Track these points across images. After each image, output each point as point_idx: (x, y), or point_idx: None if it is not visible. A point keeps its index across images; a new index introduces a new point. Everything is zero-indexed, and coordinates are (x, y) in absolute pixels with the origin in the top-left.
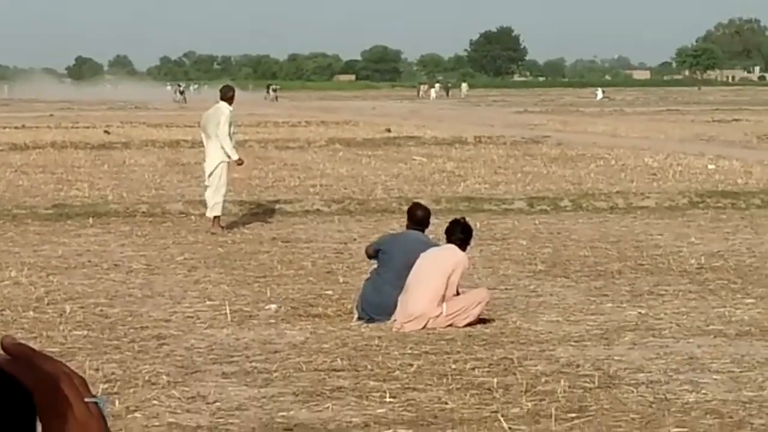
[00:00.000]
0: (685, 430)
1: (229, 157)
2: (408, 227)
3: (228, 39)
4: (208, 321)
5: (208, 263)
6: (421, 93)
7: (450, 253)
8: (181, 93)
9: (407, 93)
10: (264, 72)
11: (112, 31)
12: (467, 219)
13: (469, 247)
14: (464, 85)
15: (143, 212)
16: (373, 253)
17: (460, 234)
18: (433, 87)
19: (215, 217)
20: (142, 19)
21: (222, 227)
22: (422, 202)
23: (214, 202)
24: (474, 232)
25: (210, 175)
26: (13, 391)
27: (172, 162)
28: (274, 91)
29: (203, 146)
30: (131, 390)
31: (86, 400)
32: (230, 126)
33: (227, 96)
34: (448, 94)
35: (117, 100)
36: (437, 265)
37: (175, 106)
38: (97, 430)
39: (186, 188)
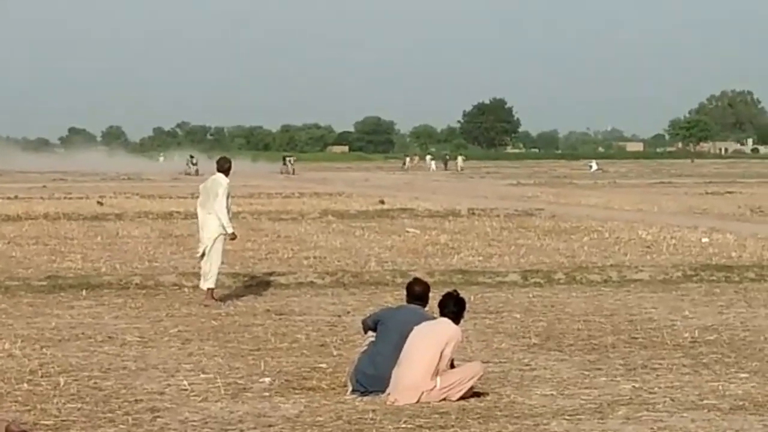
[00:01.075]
0: None
1: (225, 229)
2: (407, 302)
3: (220, 110)
4: (202, 394)
5: (201, 336)
6: (407, 164)
7: (443, 326)
8: (194, 164)
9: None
10: (257, 143)
11: (105, 101)
12: (460, 292)
13: (462, 321)
14: (460, 158)
15: (136, 284)
16: (372, 325)
17: (453, 307)
18: (424, 159)
19: (209, 289)
20: (135, 91)
21: (215, 299)
22: (416, 274)
23: (210, 274)
24: (467, 305)
25: (207, 247)
26: None
27: (165, 233)
28: (291, 163)
29: (196, 217)
30: None
31: None
32: (228, 198)
33: (224, 168)
34: (446, 167)
35: (110, 171)
36: (430, 338)
37: (166, 177)
38: None
39: (179, 260)
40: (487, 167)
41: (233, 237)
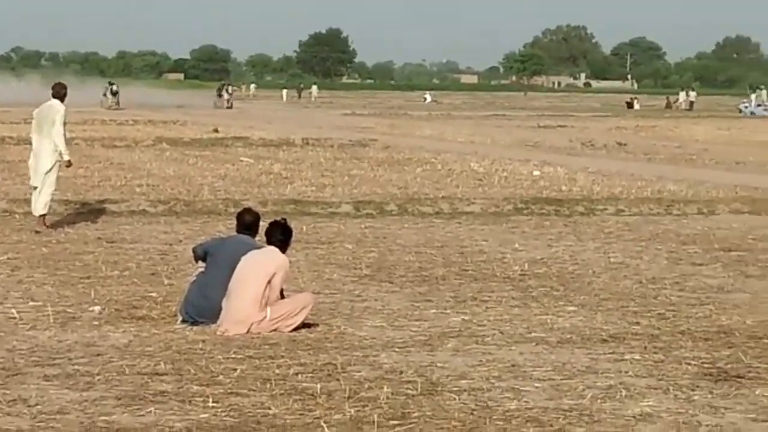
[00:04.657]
0: None
1: (61, 156)
2: (237, 231)
3: (56, 35)
4: (31, 322)
5: (31, 263)
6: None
7: (270, 255)
8: (114, 94)
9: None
10: (92, 69)
11: None
12: (288, 220)
13: (289, 249)
14: (314, 88)
15: None
16: (202, 255)
17: (279, 236)
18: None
19: (41, 215)
20: None
21: (47, 226)
22: (249, 204)
23: (43, 200)
24: (295, 234)
25: (42, 173)
26: None
27: None
28: (114, 93)
29: (29, 144)
30: None
31: None
32: (64, 125)
33: (60, 94)
34: (300, 97)
35: None
36: (258, 268)
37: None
38: None
39: (10, 186)
40: (322, 97)
41: (69, 164)
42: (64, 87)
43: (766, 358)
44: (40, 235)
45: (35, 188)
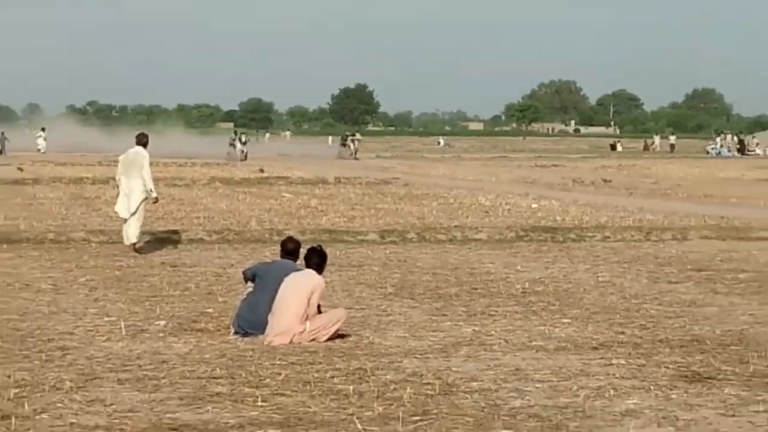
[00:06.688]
0: (512, 431)
1: (150, 194)
2: (281, 257)
3: (124, 90)
4: (106, 334)
5: (106, 284)
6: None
7: (308, 277)
8: (243, 143)
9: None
10: (155, 120)
11: (24, 81)
12: (323, 247)
13: (325, 271)
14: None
15: (50, 239)
16: (251, 277)
17: (316, 260)
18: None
19: (133, 243)
20: (51, 72)
21: (138, 252)
22: (291, 233)
23: (134, 231)
24: (329, 258)
25: (133, 208)
26: None
27: (76, 196)
28: (243, 143)
29: (105, 183)
30: (38, 394)
31: None
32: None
33: (143, 141)
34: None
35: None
36: (298, 287)
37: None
38: None
39: (88, 219)
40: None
41: (156, 200)
42: (146, 136)
43: (733, 362)
44: (136, 255)
45: (125, 221)
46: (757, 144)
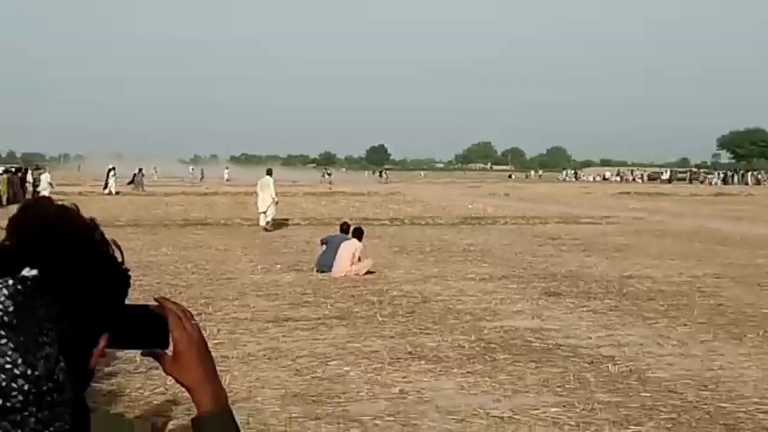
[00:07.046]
0: (458, 320)
1: (274, 199)
2: (339, 232)
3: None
4: (251, 270)
5: (251, 246)
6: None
7: (353, 243)
8: (329, 174)
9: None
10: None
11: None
12: (361, 226)
13: (363, 239)
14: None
15: (223, 223)
16: (324, 242)
17: (358, 234)
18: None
19: (267, 222)
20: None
21: (269, 230)
22: (344, 219)
23: (267, 219)
24: (365, 232)
25: (265, 208)
26: (159, 319)
27: (236, 201)
28: (329, 174)
29: (255, 195)
30: (217, 302)
31: (192, 322)
32: (274, 187)
33: (269, 172)
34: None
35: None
36: (348, 248)
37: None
38: (198, 339)
39: (242, 213)
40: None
41: (277, 203)
42: (271, 170)
43: (571, 285)
44: (266, 232)
45: (262, 213)
46: (583, 175)
